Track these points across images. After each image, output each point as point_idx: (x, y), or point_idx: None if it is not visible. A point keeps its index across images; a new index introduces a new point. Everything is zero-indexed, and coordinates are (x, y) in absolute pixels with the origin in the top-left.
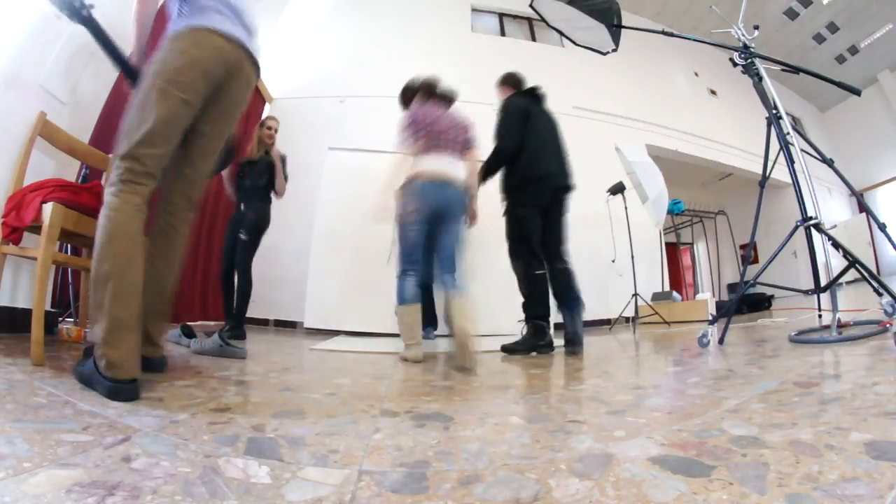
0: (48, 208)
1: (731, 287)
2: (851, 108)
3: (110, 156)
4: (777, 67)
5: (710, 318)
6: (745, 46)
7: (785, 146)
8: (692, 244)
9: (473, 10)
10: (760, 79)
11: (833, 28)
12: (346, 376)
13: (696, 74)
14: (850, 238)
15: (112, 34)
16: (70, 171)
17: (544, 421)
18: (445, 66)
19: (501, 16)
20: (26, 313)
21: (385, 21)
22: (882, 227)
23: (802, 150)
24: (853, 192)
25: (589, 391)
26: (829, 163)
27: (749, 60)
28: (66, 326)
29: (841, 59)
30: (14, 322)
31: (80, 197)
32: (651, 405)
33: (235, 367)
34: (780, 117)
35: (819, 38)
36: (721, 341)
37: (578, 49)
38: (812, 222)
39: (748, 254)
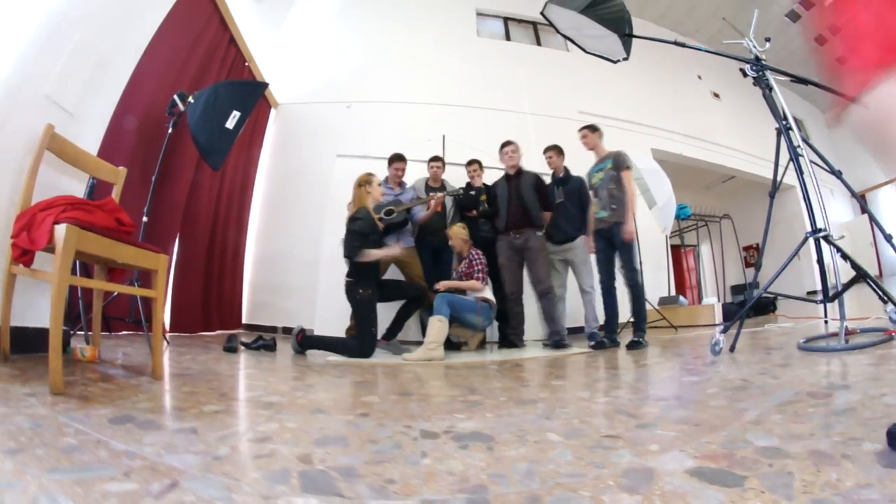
0: (61, 230)
1: (735, 289)
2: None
3: (120, 168)
4: (787, 79)
5: (722, 325)
6: (757, 59)
7: (795, 158)
8: (696, 246)
9: (479, 14)
10: (771, 89)
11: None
12: (372, 392)
13: (700, 77)
14: (852, 239)
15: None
16: (78, 185)
17: (581, 437)
18: (452, 70)
19: (506, 20)
20: (37, 332)
21: (390, 26)
22: (888, 238)
23: (811, 161)
24: (859, 202)
25: (614, 404)
26: (838, 174)
27: (760, 73)
28: (80, 346)
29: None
30: (25, 342)
31: (94, 216)
32: (677, 417)
33: (260, 387)
34: (790, 128)
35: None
36: (732, 349)
37: (583, 53)
38: (822, 234)
39: (758, 263)
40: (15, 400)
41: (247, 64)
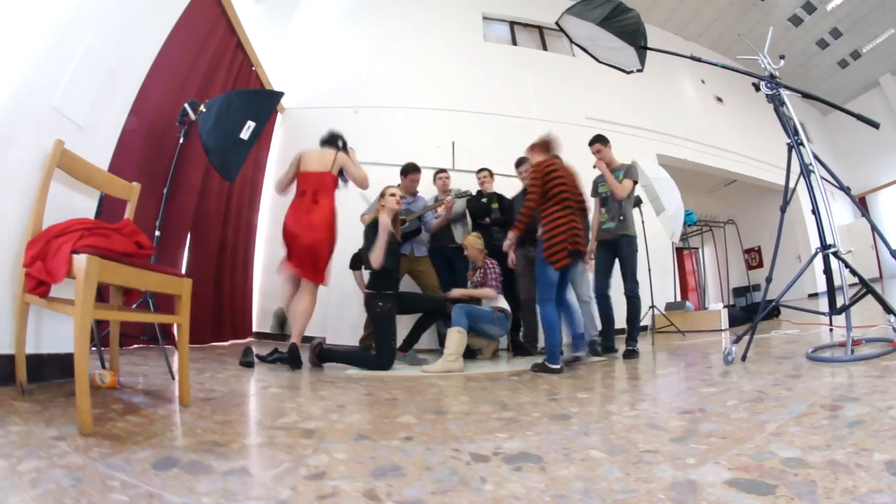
0: (81, 261)
1: (737, 291)
2: (852, 110)
3: (134, 184)
4: (800, 96)
5: (730, 332)
6: (772, 76)
7: (806, 174)
8: (697, 248)
9: (485, 18)
10: (782, 104)
11: (836, 34)
12: (406, 411)
13: (703, 82)
14: (853, 241)
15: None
16: (89, 201)
17: (622, 453)
18: (459, 75)
19: (512, 24)
20: (53, 358)
21: (396, 29)
22: (894, 254)
23: (821, 177)
24: (866, 216)
25: (644, 417)
26: (846, 190)
27: (775, 90)
28: (99, 371)
29: (843, 64)
30: (40, 369)
31: (112, 240)
32: (705, 431)
33: (291, 410)
34: (802, 143)
35: (822, 44)
36: (744, 358)
37: (588, 58)
38: (832, 250)
39: (769, 277)
40: (45, 447)
41: (253, 68)
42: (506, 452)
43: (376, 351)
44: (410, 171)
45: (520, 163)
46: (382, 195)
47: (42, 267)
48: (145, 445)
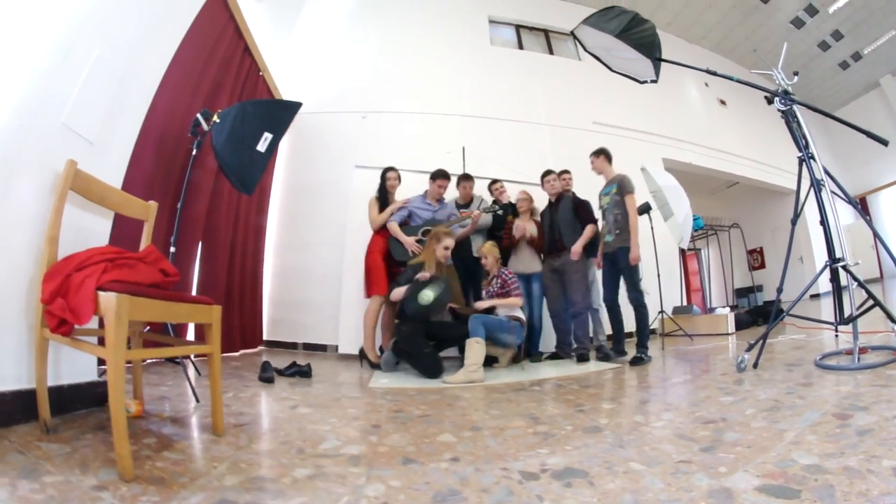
0: (111, 301)
1: (740, 292)
2: (853, 112)
3: (150, 203)
4: (814, 111)
5: (737, 336)
6: (786, 92)
7: (817, 189)
8: (701, 249)
9: (491, 21)
10: (794, 117)
11: (838, 36)
12: (442, 429)
13: (707, 85)
14: (854, 242)
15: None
16: (104, 222)
17: (659, 464)
18: (467, 80)
19: (518, 27)
20: (73, 389)
21: (403, 33)
22: None
23: (832, 192)
24: (872, 229)
25: (671, 427)
26: (855, 204)
27: (788, 106)
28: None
29: (844, 66)
30: (62, 401)
31: (137, 271)
32: (730, 440)
33: (328, 434)
34: (813, 157)
35: (824, 46)
36: (755, 365)
37: (594, 61)
38: (841, 264)
39: (780, 287)
40: (88, 500)
41: (261, 73)
42: (552, 469)
43: (421, 364)
44: (439, 177)
45: (546, 174)
46: (435, 237)
47: (64, 305)
48: (194, 488)
